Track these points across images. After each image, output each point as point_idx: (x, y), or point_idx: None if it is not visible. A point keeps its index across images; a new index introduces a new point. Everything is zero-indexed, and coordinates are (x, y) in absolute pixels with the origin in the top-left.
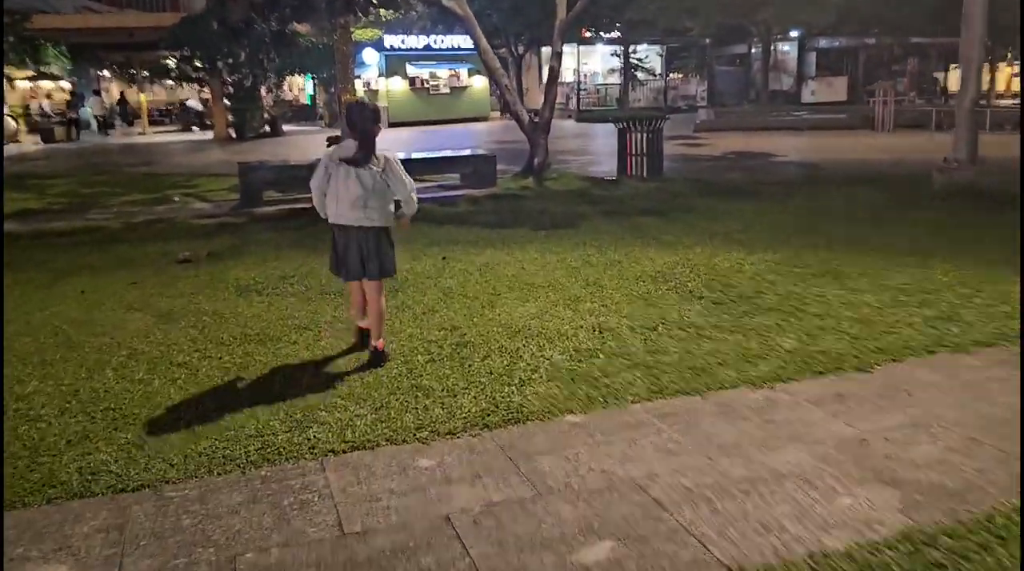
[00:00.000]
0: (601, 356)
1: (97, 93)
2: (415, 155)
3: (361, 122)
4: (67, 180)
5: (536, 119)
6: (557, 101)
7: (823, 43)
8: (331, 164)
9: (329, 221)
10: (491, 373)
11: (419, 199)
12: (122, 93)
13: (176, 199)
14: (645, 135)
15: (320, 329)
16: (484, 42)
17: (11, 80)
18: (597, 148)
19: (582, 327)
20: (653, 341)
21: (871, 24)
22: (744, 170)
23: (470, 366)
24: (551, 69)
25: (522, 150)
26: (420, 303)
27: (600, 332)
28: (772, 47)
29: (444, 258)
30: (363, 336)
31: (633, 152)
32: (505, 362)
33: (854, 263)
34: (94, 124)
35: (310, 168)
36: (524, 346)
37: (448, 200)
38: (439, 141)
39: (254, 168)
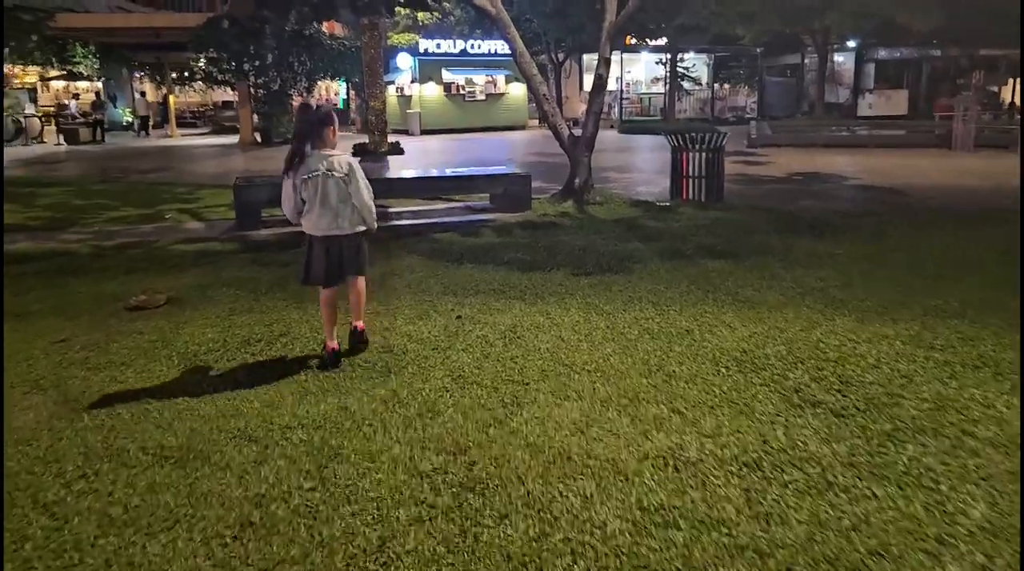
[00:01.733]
0: (682, 525)
1: (143, 94)
2: (438, 173)
3: (306, 126)
4: (64, 189)
5: (577, 132)
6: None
7: (883, 54)
8: (298, 183)
9: (314, 236)
10: (508, 558)
11: (442, 224)
12: (165, 95)
13: (167, 217)
14: (703, 154)
15: (269, 443)
16: (520, 45)
17: (45, 80)
18: (643, 164)
19: (648, 456)
20: (760, 493)
21: (938, 34)
22: (818, 196)
23: (478, 538)
24: (598, 77)
25: (562, 166)
26: (418, 396)
27: (675, 468)
28: (829, 57)
29: (459, 317)
30: (335, 358)
31: (689, 174)
32: (532, 532)
33: (1011, 343)
34: (136, 125)
35: None
36: (561, 495)
37: (473, 227)
38: (471, 152)
39: (250, 185)
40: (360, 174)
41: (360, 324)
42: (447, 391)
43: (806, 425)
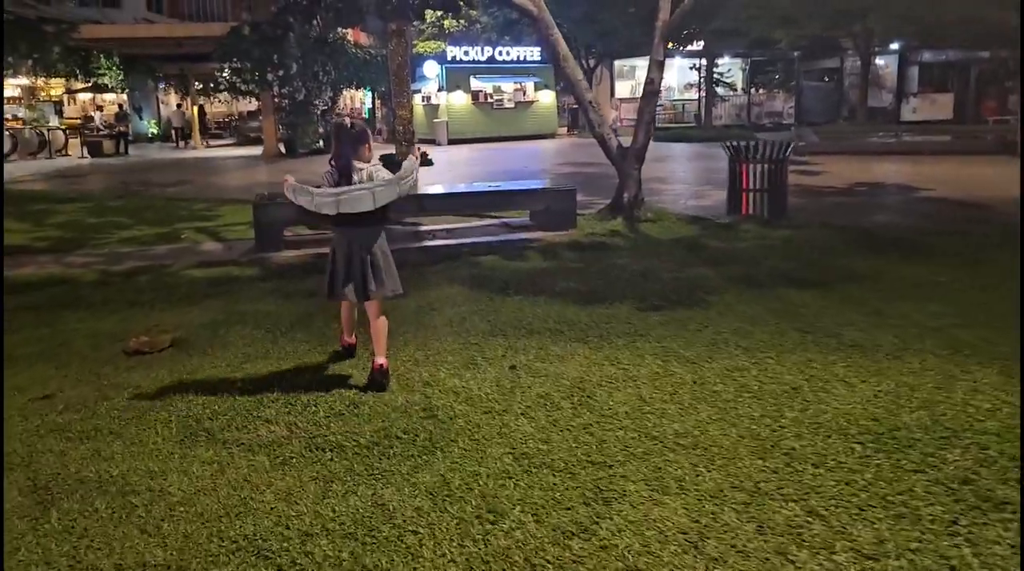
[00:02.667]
0: None
1: (179, 106)
2: (473, 188)
3: (342, 145)
4: (80, 205)
5: (623, 141)
6: (627, 119)
7: (927, 56)
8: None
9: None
10: None
11: (480, 245)
12: (201, 106)
13: (183, 237)
14: (766, 166)
15: (284, 561)
16: (564, 47)
17: (71, 92)
18: (686, 174)
19: None
20: None
21: (992, 35)
22: (890, 211)
23: None
24: (649, 82)
25: (601, 177)
26: (474, 486)
27: None
28: (871, 60)
29: (513, 368)
30: (349, 351)
31: (751, 186)
32: None
33: None
34: (176, 134)
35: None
36: None
37: (515, 248)
38: (502, 163)
39: (271, 203)
40: (383, 172)
41: (382, 360)
42: (510, 478)
43: (998, 539)
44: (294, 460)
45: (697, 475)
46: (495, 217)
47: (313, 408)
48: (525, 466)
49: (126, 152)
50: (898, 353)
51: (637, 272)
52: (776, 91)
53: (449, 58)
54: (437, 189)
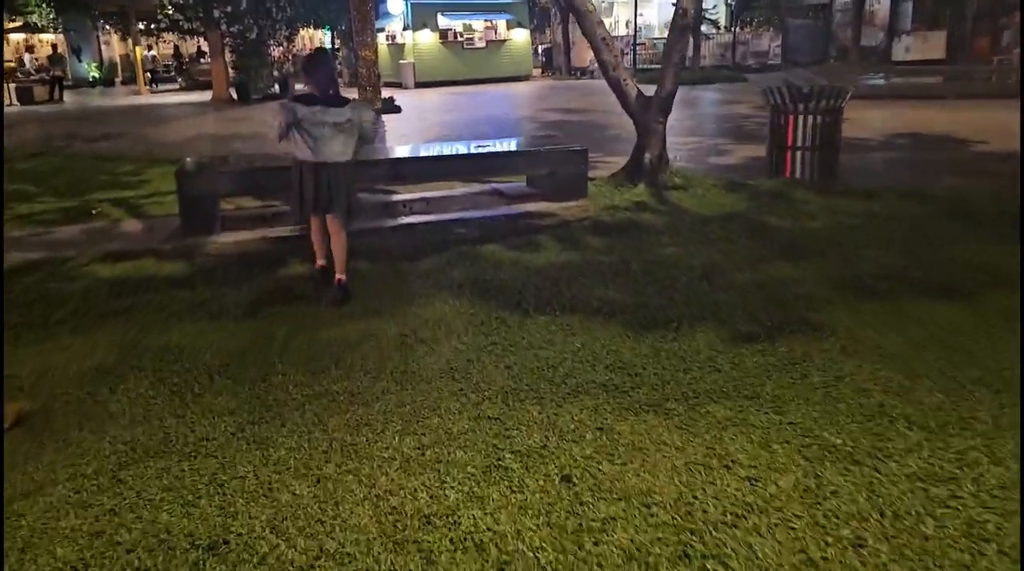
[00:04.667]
0: None
1: (150, 48)
2: (460, 148)
3: (324, 70)
4: None
5: (646, 89)
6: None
7: None
8: (298, 107)
9: (300, 159)
10: None
11: (472, 222)
12: (176, 46)
13: (95, 212)
14: (817, 118)
15: None
16: None
17: (2, 32)
18: (694, 124)
19: None
20: None
21: None
22: (959, 170)
23: None
24: (681, 13)
25: (593, 126)
26: None
27: None
28: None
29: (567, 480)
30: (324, 273)
31: (797, 144)
32: None
33: None
34: (145, 78)
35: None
36: None
37: (518, 229)
38: (477, 109)
39: (202, 171)
40: (368, 113)
41: (341, 276)
42: None
43: None
44: None
45: None
46: (483, 180)
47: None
48: None
49: (60, 99)
50: None
51: (694, 269)
52: (762, 29)
53: None
54: (414, 150)
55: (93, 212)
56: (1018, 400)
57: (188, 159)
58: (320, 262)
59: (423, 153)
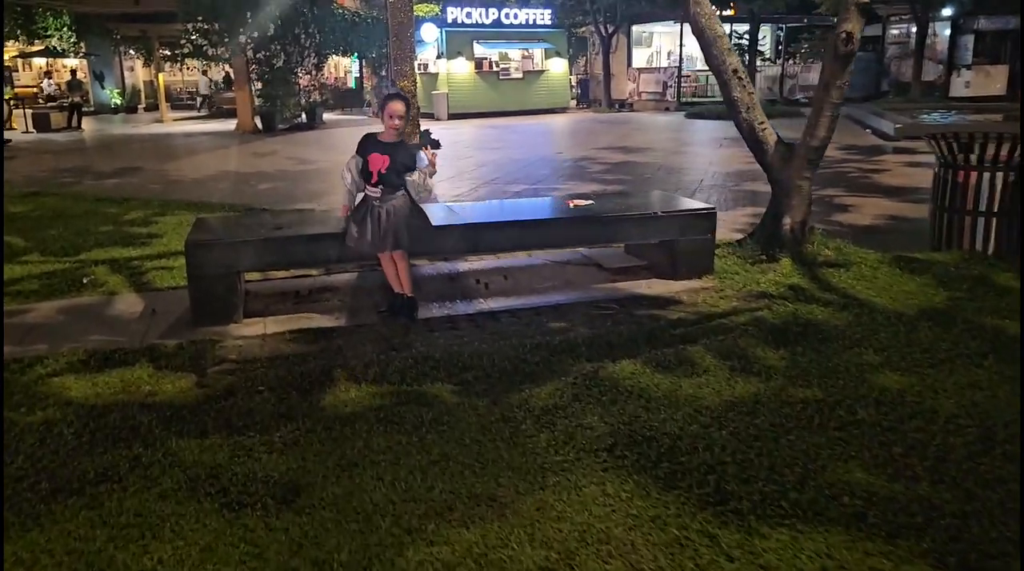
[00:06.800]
0: None
1: (204, 73)
2: (547, 210)
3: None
4: None
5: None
6: (645, 92)
7: (983, 23)
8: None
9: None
10: None
11: (566, 310)
12: (226, 71)
13: (87, 280)
14: (1003, 175)
15: None
16: None
17: (25, 56)
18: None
19: None
20: None
21: None
22: None
23: None
24: (845, 39)
25: (665, 170)
26: None
27: None
28: (929, 28)
29: None
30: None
31: (979, 207)
32: None
33: None
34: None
35: (332, 238)
36: None
37: (645, 328)
38: (522, 145)
39: (216, 241)
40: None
41: (407, 292)
42: None
43: None
44: None
45: None
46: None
47: None
48: None
49: (79, 126)
50: None
51: (956, 421)
52: (811, 61)
53: (449, 20)
54: (489, 211)
55: (84, 281)
56: None
57: (201, 221)
58: (399, 289)
59: (504, 217)
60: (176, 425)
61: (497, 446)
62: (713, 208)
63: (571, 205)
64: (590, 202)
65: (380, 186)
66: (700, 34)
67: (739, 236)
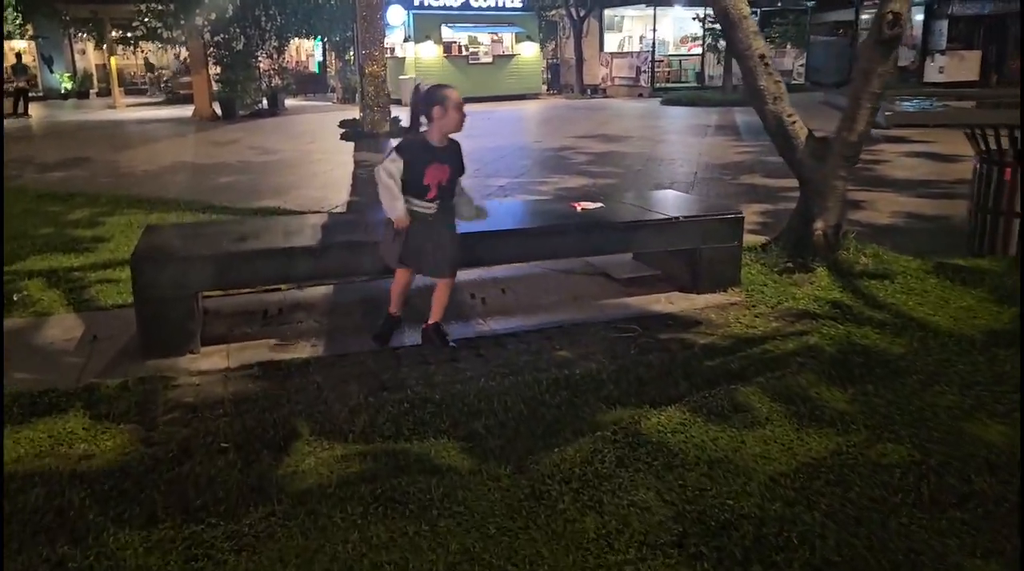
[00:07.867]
0: None
1: (177, 57)
2: (551, 215)
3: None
4: None
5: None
6: (619, 77)
7: (957, 8)
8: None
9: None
10: None
11: (586, 329)
12: (146, 58)
13: (17, 297)
14: None
15: None
16: None
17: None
18: (754, 158)
19: None
20: None
21: None
22: None
23: None
24: (891, 21)
25: (652, 160)
26: None
27: None
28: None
29: None
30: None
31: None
32: None
33: None
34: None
35: (309, 252)
36: None
37: (677, 362)
38: (499, 133)
39: (167, 266)
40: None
41: (437, 320)
42: None
43: None
44: None
45: None
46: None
47: None
48: None
49: (26, 113)
50: None
51: None
52: (785, 47)
53: (417, 2)
54: (488, 217)
55: (15, 297)
56: None
57: (151, 230)
58: (393, 310)
59: (505, 225)
60: (116, 506)
61: (533, 537)
62: (740, 213)
63: (578, 209)
64: (599, 205)
65: (438, 201)
66: (724, 14)
67: (752, 238)
